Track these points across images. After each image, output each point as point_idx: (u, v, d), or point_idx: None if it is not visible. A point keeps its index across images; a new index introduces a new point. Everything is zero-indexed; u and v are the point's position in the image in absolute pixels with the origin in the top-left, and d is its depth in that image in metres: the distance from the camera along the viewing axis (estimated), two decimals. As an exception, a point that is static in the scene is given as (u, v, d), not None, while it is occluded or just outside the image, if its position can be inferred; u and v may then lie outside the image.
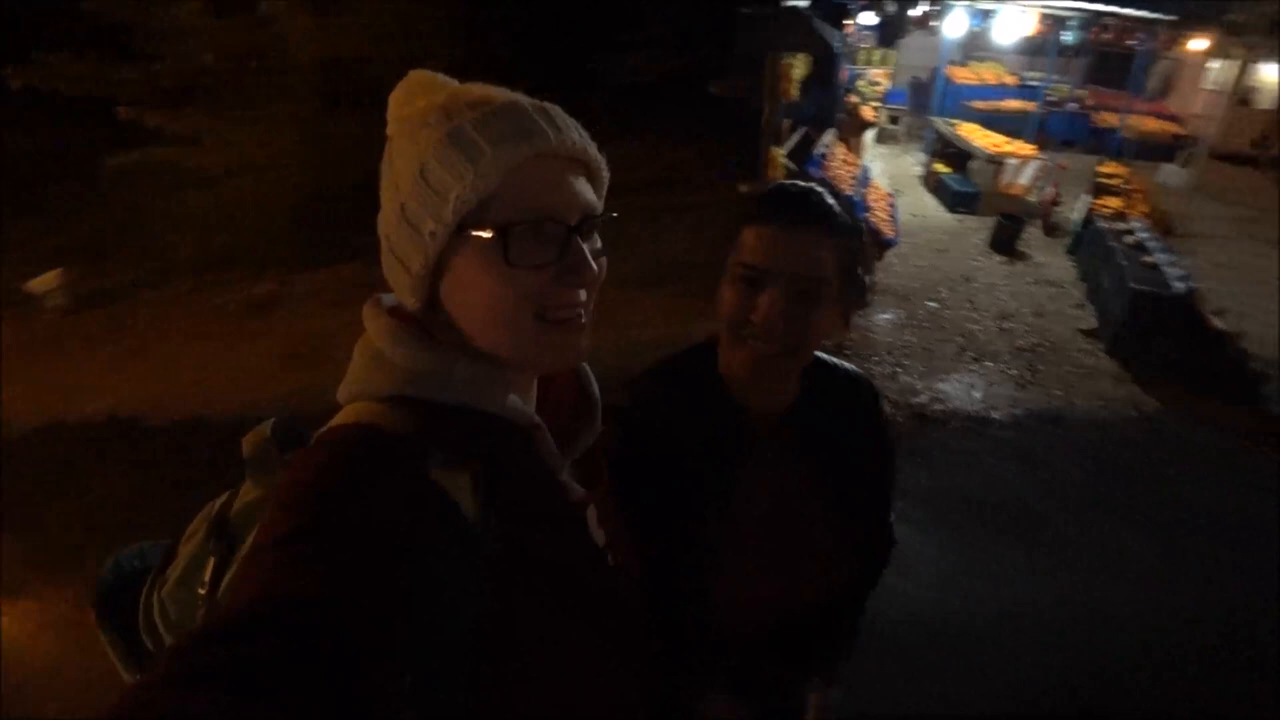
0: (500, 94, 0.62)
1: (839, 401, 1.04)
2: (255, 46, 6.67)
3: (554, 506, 0.66)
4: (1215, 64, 12.00)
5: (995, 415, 4.30)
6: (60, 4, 6.28)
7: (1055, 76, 11.72)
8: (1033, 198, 8.11)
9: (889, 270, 6.36)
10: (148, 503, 3.19)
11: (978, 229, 7.65)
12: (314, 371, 4.36)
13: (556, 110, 0.63)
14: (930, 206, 8.59)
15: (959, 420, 4.22)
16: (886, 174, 9.51)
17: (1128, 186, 7.49)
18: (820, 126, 8.24)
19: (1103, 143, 10.76)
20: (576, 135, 0.63)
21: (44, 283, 5.51)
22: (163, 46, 6.36)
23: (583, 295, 0.63)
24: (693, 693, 0.99)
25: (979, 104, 11.22)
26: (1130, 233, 6.03)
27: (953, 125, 9.57)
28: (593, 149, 0.65)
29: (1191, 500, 3.63)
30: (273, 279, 5.83)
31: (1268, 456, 4.08)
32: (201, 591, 0.64)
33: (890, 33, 12.52)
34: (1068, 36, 10.58)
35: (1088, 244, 6.69)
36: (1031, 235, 7.44)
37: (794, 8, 6.73)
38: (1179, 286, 5.05)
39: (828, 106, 8.43)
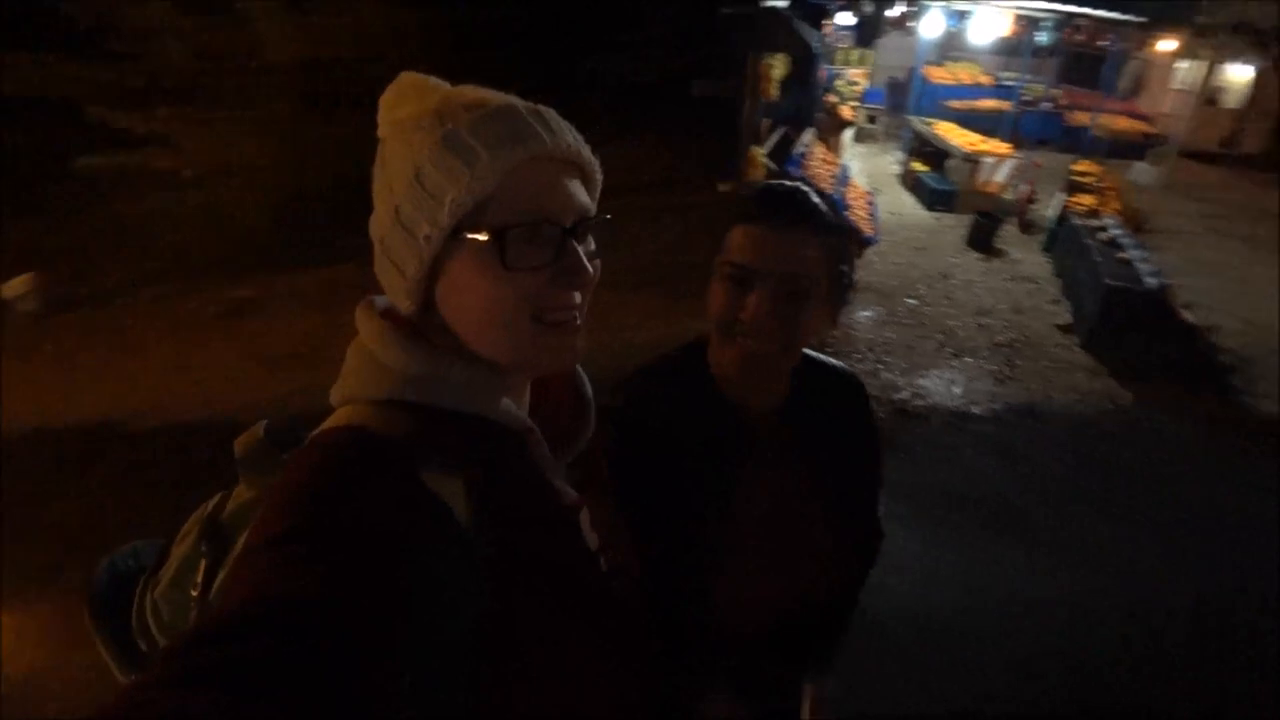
0: (495, 97, 0.62)
1: (830, 398, 1.06)
2: (230, 46, 6.57)
3: (546, 511, 0.66)
4: (1183, 64, 12.28)
5: (975, 410, 4.36)
6: (22, 1, 6.14)
7: (1029, 76, 11.90)
8: (1009, 195, 8.23)
9: (869, 268, 6.41)
10: (128, 511, 3.14)
11: (955, 227, 7.75)
12: (298, 375, 4.30)
13: (551, 113, 0.63)
14: (908, 205, 8.68)
15: (940, 416, 4.27)
16: (865, 173, 9.60)
17: (1101, 184, 7.62)
18: (799, 126, 8.30)
19: (1075, 141, 10.95)
20: (571, 138, 0.63)
21: (15, 287, 5.37)
22: (133, 46, 6.25)
23: (578, 297, 0.63)
24: (693, 693, 1.00)
25: (955, 103, 11.38)
26: (1104, 229, 6.15)
27: (930, 124, 9.69)
28: (587, 151, 0.65)
29: (1167, 491, 3.71)
30: (252, 282, 5.74)
31: (1238, 446, 4.19)
32: (194, 593, 0.64)
33: (867, 33, 12.68)
34: (1041, 37, 10.76)
35: (1063, 241, 6.80)
36: (1008, 232, 7.56)
37: (773, 8, 6.76)
38: (1151, 282, 5.15)
39: (807, 106, 8.50)
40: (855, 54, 12.19)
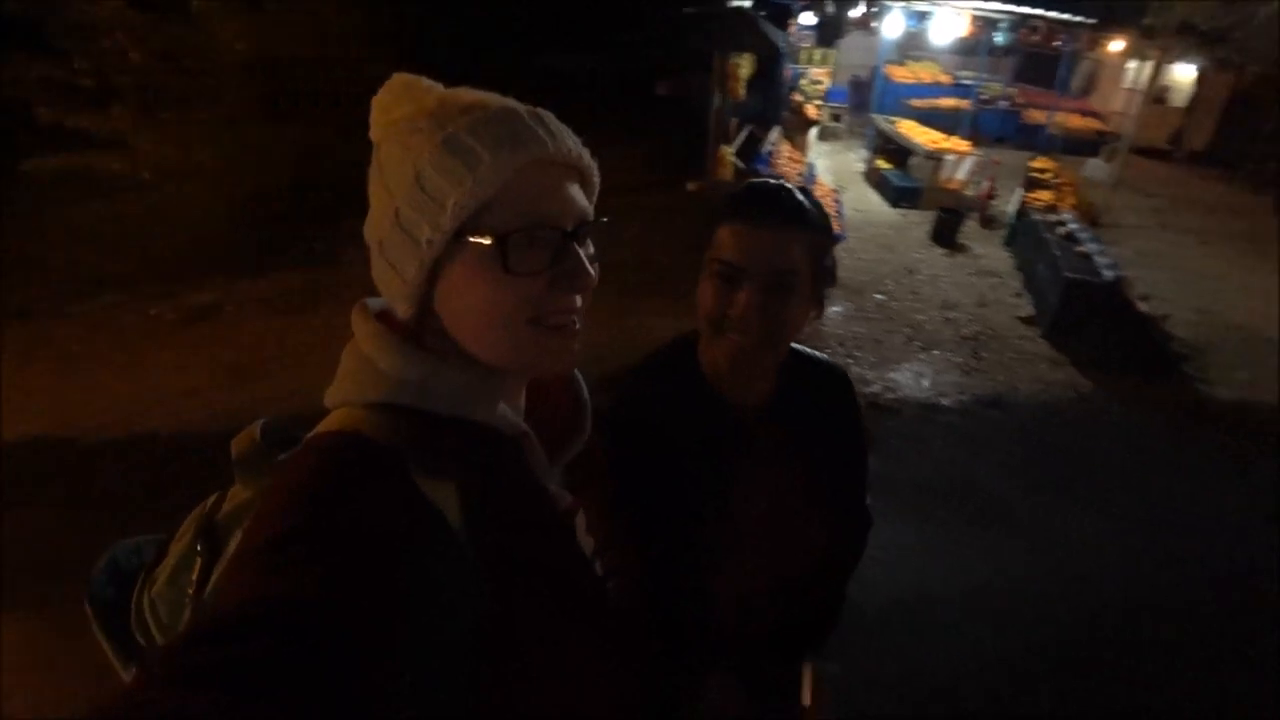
0: (494, 99, 0.62)
1: (818, 391, 1.08)
2: (186, 45, 6.39)
3: (541, 516, 0.66)
4: (1132, 64, 12.68)
5: (944, 401, 4.45)
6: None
7: (987, 75, 12.23)
8: (970, 192, 8.42)
9: (837, 264, 6.50)
10: (83, 528, 3.03)
11: (919, 223, 7.90)
12: (262, 383, 4.21)
13: (549, 116, 0.63)
14: (873, 202, 8.83)
15: (910, 408, 4.35)
16: (830, 170, 9.74)
17: (1057, 180, 7.85)
18: (766, 125, 8.40)
19: (1032, 139, 11.26)
20: (571, 141, 0.63)
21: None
22: (84, 43, 6.04)
23: (578, 301, 0.64)
24: (692, 692, 1.01)
25: (916, 102, 11.61)
26: (1062, 224, 6.33)
27: (893, 122, 9.87)
28: (586, 155, 0.65)
29: (1128, 477, 3.84)
30: (212, 288, 5.59)
31: (1193, 431, 4.35)
32: (190, 592, 0.64)
33: (830, 33, 12.87)
34: (998, 37, 11.03)
35: (1022, 235, 6.99)
36: (970, 228, 7.73)
37: (740, 8, 6.82)
38: (1109, 275, 5.32)
39: (773, 105, 8.60)
40: (818, 53, 12.36)
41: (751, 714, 1.06)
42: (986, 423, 4.29)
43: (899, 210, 8.43)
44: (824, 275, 0.95)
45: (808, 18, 12.32)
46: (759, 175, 6.81)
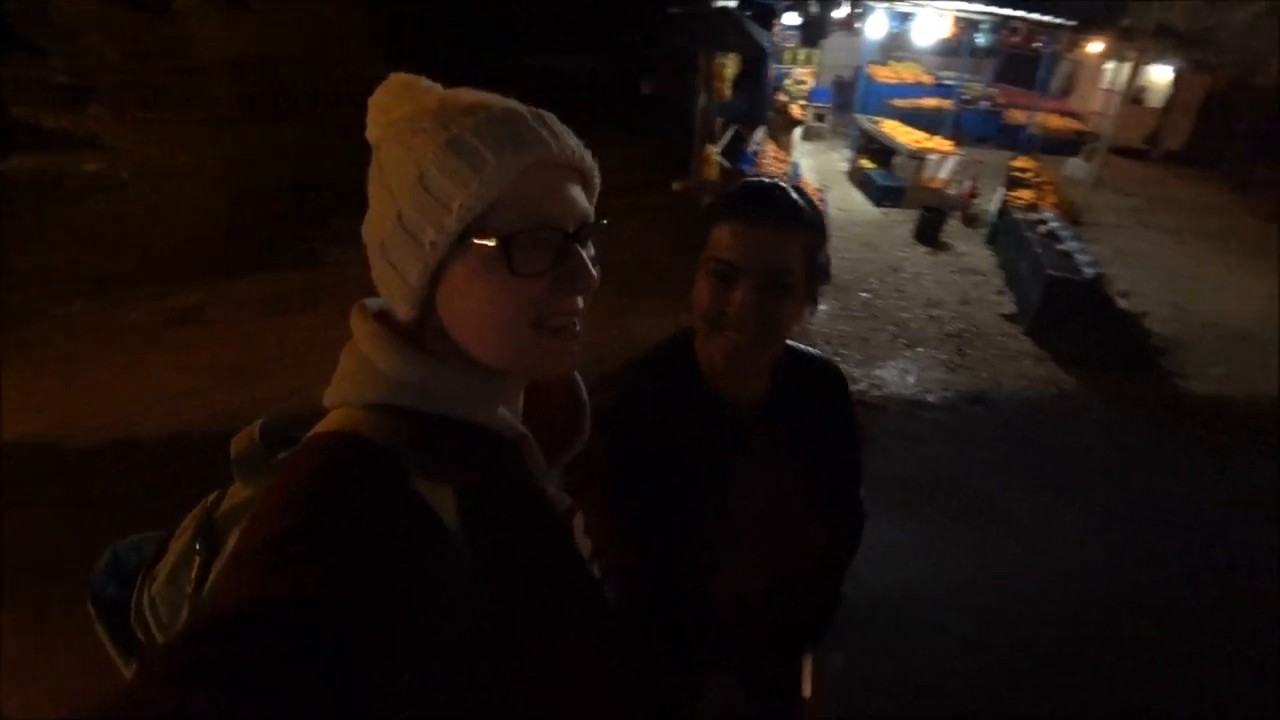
0: (496, 100, 0.62)
1: (813, 387, 1.10)
2: (166, 43, 6.31)
3: (538, 518, 0.67)
4: (1110, 65, 12.86)
5: (929, 398, 4.50)
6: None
7: (968, 76, 12.33)
8: (953, 191, 8.50)
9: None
10: (83, 528, 2.99)
11: (903, 221, 7.97)
12: (250, 386, 4.16)
13: (552, 118, 0.63)
14: (857, 201, 8.89)
15: (896, 405, 4.40)
16: (815, 170, 9.78)
17: (1038, 180, 7.94)
18: (750, 124, 8.42)
19: (1013, 138, 11.39)
20: (573, 143, 0.63)
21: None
22: (61, 41, 5.95)
23: (580, 303, 0.64)
24: (692, 692, 1.02)
25: (899, 102, 11.70)
26: (1043, 223, 6.41)
27: (876, 122, 9.94)
28: (588, 157, 0.65)
29: (1110, 472, 3.91)
30: (197, 290, 5.53)
31: (1171, 426, 4.43)
32: (189, 590, 0.63)
33: (813, 33, 12.93)
34: (980, 38, 11.16)
35: (1004, 234, 7.07)
36: (953, 227, 7.81)
37: (725, 8, 6.84)
38: (1089, 272, 5.40)
39: (758, 105, 8.62)
40: (802, 54, 12.41)
41: (752, 714, 1.07)
42: (971, 419, 4.34)
43: (882, 209, 8.50)
44: (818, 272, 0.96)
45: (792, 18, 12.38)
46: (745, 175, 6.84)
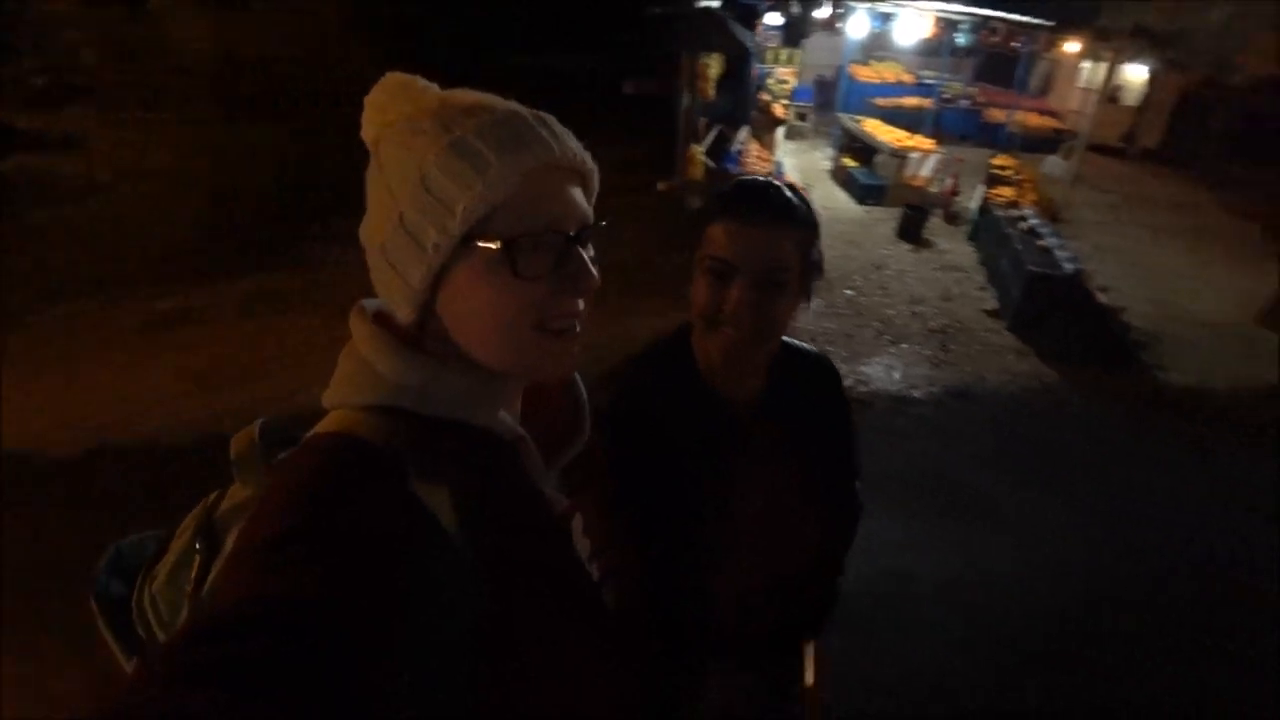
0: (497, 101, 0.62)
1: (808, 382, 1.11)
2: (144, 43, 6.22)
3: (536, 520, 0.67)
4: (1087, 65, 13.05)
5: (915, 394, 4.54)
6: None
7: (948, 75, 12.46)
8: (934, 189, 8.58)
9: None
10: (48, 543, 2.93)
11: (885, 219, 8.04)
12: (233, 391, 4.10)
13: (552, 119, 0.63)
14: (840, 199, 8.95)
15: (882, 400, 4.43)
16: (798, 169, 9.85)
17: (1018, 177, 8.05)
18: (733, 124, 8.45)
19: (992, 137, 11.51)
20: (574, 144, 0.63)
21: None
22: (35, 41, 5.85)
23: (580, 304, 0.64)
24: (692, 692, 1.02)
25: (880, 101, 11.80)
26: (1023, 219, 6.50)
27: (858, 121, 10.02)
28: (588, 158, 0.65)
29: (1092, 466, 3.97)
30: (178, 293, 5.45)
31: (1151, 419, 4.51)
32: (188, 589, 0.63)
33: (795, 33, 12.98)
34: (960, 38, 11.28)
35: (985, 231, 7.15)
36: (935, 224, 7.88)
37: (709, 8, 6.86)
38: (1069, 268, 5.48)
39: (742, 104, 8.65)
40: (784, 53, 12.48)
41: (752, 713, 1.08)
42: (957, 414, 4.39)
43: (865, 207, 8.56)
44: (811, 269, 0.98)
45: (774, 18, 12.42)
46: (730, 174, 6.86)
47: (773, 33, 13.23)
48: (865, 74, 12.88)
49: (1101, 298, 6.11)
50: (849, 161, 9.44)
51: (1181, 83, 12.50)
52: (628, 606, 0.77)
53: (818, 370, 1.14)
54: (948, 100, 12.05)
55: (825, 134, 11.39)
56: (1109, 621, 2.90)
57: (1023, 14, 10.26)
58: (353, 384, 0.61)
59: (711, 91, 7.31)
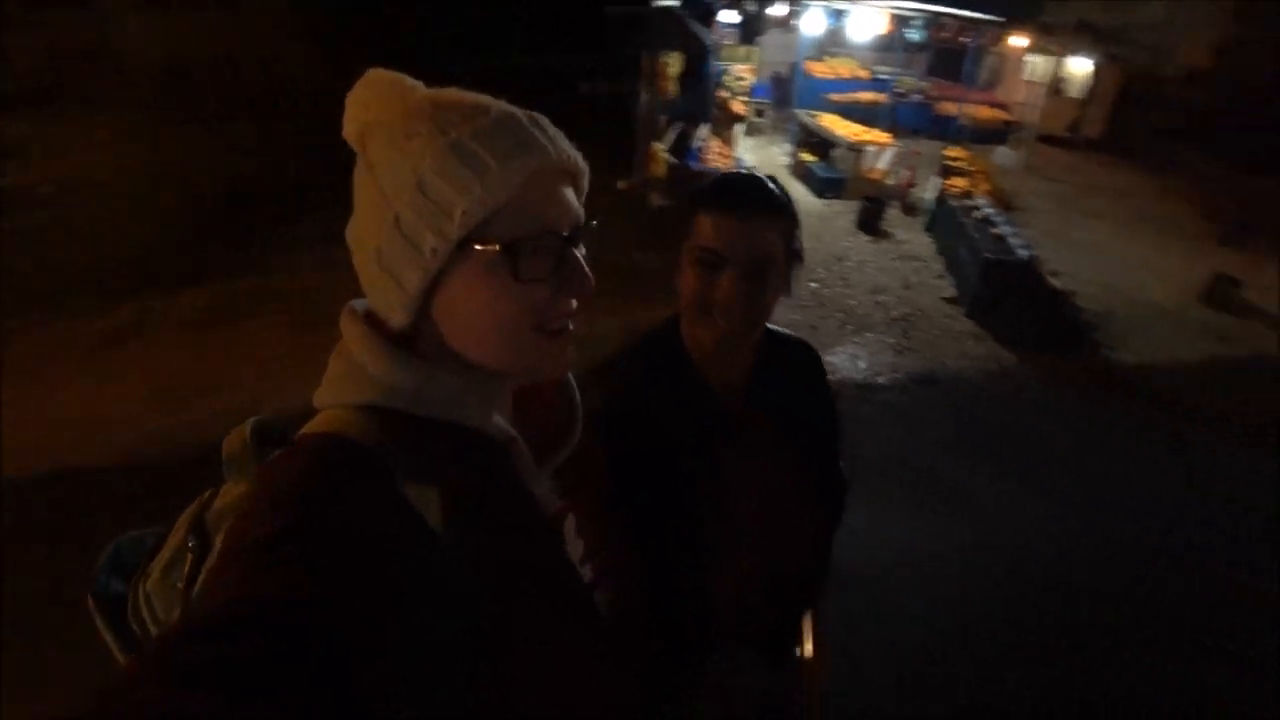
0: (492, 103, 0.62)
1: (794, 367, 1.15)
2: (89, 46, 6.01)
3: (527, 521, 0.66)
4: (1033, 59, 13.42)
5: (880, 380, 4.65)
6: None
7: (902, 70, 12.69)
8: (891, 181, 8.74)
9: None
10: (9, 569, 2.83)
11: (844, 212, 8.17)
12: (192, 405, 3.96)
13: (545, 120, 0.63)
14: (800, 193, 9.04)
15: (849, 389, 4.52)
16: (757, 164, 9.93)
17: (971, 168, 8.26)
18: (694, 121, 8.50)
19: (944, 130, 11.73)
20: (567, 145, 0.64)
21: None
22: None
23: (575, 305, 0.65)
24: (693, 692, 1.04)
25: (835, 96, 11.94)
26: (977, 209, 6.67)
27: (815, 117, 10.15)
28: (580, 159, 0.66)
29: (1049, 446, 4.11)
30: (131, 306, 5.27)
31: (1103, 400, 4.68)
32: (180, 586, 0.63)
33: (751, 30, 13.08)
34: (912, 34, 11.51)
35: (942, 221, 7.33)
36: (893, 215, 8.04)
37: (667, 7, 6.89)
38: (1023, 254, 5.66)
39: (702, 102, 8.70)
40: (741, 50, 12.55)
41: (752, 714, 1.11)
42: (921, 400, 4.50)
43: (824, 201, 8.68)
44: (793, 258, 1.02)
45: (730, 15, 12.51)
46: (693, 171, 6.89)
47: (729, 30, 13.33)
48: (821, 70, 13.02)
49: (1053, 282, 6.32)
50: (807, 156, 9.55)
51: (1123, 75, 12.96)
52: (624, 607, 0.77)
53: (800, 353, 1.18)
54: (901, 95, 12.26)
55: (783, 130, 11.50)
56: (1073, 605, 2.98)
57: (971, 10, 10.52)
58: (344, 385, 0.61)
59: (672, 89, 7.35)
